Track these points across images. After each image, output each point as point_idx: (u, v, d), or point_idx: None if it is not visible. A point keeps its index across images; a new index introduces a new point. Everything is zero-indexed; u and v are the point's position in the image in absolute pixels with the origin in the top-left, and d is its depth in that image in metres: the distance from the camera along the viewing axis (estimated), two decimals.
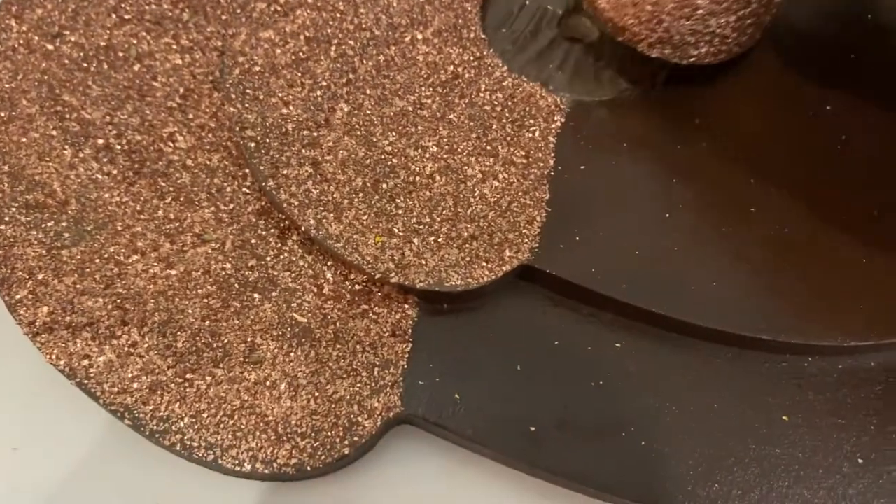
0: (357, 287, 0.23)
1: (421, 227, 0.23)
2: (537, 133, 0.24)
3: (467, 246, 0.23)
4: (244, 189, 0.24)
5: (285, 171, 0.23)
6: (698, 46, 0.24)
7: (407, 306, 0.23)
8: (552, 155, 0.24)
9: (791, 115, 0.25)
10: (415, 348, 0.22)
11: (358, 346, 0.22)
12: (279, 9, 0.26)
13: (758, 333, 0.22)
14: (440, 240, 0.23)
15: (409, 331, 0.22)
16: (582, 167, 0.24)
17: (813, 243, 0.23)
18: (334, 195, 0.23)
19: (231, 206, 0.24)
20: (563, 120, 0.25)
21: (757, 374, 0.22)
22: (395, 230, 0.23)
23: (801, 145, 0.24)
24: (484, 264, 0.22)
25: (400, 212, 0.23)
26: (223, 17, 0.27)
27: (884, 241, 0.23)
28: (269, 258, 0.23)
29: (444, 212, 0.23)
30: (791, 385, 0.22)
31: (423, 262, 0.22)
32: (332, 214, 0.23)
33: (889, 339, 0.22)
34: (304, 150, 0.24)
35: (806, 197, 0.24)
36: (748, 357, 0.22)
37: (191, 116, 0.25)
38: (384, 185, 0.23)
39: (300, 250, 0.23)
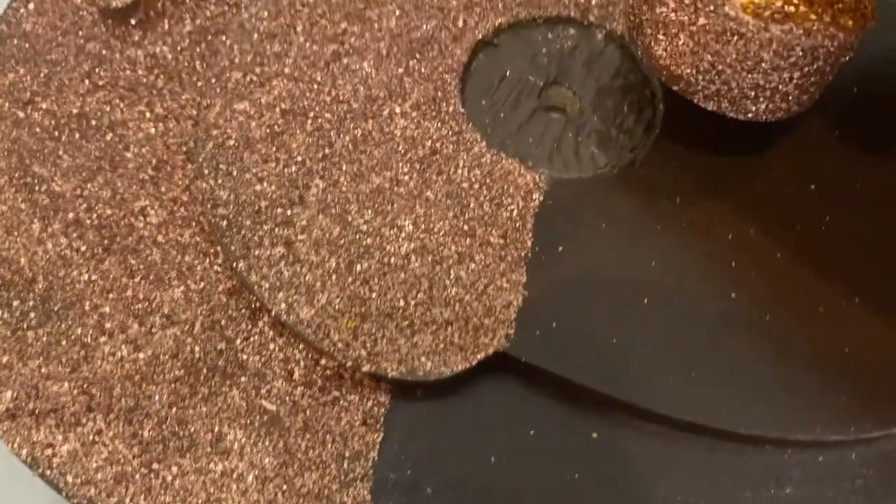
0: (328, 372, 0.22)
1: (395, 311, 0.22)
2: (515, 212, 0.24)
3: (441, 332, 0.22)
4: (216, 267, 0.24)
5: (257, 252, 0.23)
6: (757, 102, 0.23)
7: (379, 393, 0.22)
8: (530, 235, 0.24)
9: (771, 195, 0.25)
10: (386, 438, 0.22)
11: (328, 436, 0.22)
12: (255, 79, 0.25)
13: (735, 427, 0.22)
14: (414, 325, 0.22)
15: (381, 419, 0.22)
16: (560, 248, 0.24)
17: (792, 332, 0.23)
18: (307, 277, 0.23)
19: (202, 284, 0.23)
20: (541, 199, 0.24)
21: (734, 467, 0.22)
22: (369, 314, 0.22)
23: (783, 226, 0.24)
24: (458, 351, 0.22)
25: (374, 295, 0.22)
26: (199, 84, 0.26)
27: (865, 331, 0.23)
28: (238, 341, 0.23)
29: (418, 295, 0.23)
30: (770, 479, 0.22)
31: (396, 348, 0.22)
32: (303, 298, 0.22)
33: (870, 434, 0.22)
34: (276, 230, 0.23)
35: (787, 283, 0.23)
36: (726, 449, 0.22)
37: (163, 189, 0.25)
38: (358, 267, 0.23)
39: (271, 332, 0.23)
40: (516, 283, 0.23)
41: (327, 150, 0.25)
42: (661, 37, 0.23)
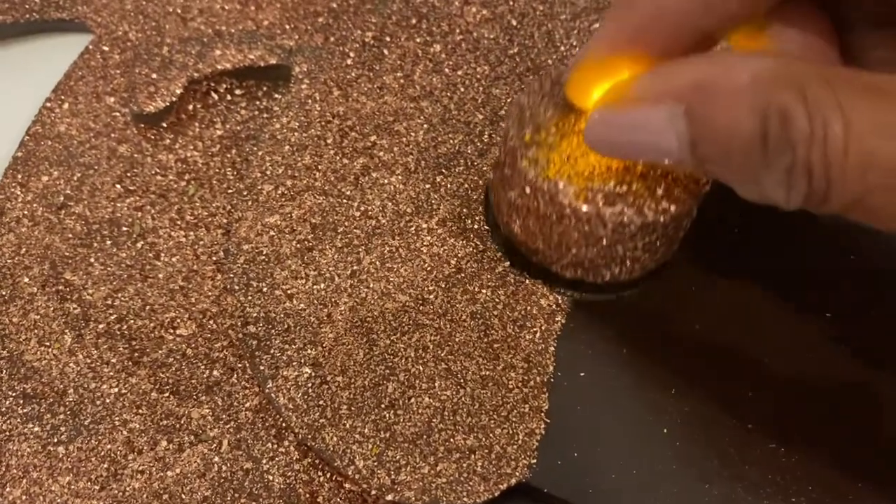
0: (352, 496, 0.23)
1: (419, 437, 0.23)
2: (538, 335, 0.24)
3: (465, 460, 0.23)
4: (243, 383, 0.24)
5: (285, 373, 0.23)
6: (610, 268, 0.24)
7: None
8: (552, 360, 0.24)
9: (788, 317, 0.25)
10: None
11: None
12: (286, 192, 0.26)
13: None
14: (438, 452, 0.23)
15: None
16: (581, 374, 0.24)
17: (805, 461, 0.23)
18: (333, 400, 0.23)
19: (229, 401, 0.24)
20: (563, 321, 0.25)
21: None
22: (393, 440, 0.23)
23: (798, 352, 0.25)
24: (481, 481, 0.22)
25: (399, 420, 0.23)
26: (229, 191, 0.27)
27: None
28: (264, 460, 0.23)
29: (443, 420, 0.23)
30: None
31: (420, 477, 0.22)
32: (328, 422, 0.23)
33: None
34: (305, 349, 0.24)
35: (801, 412, 0.24)
36: None
37: (192, 300, 0.25)
38: (383, 390, 0.23)
39: (296, 452, 0.23)
40: (538, 409, 0.24)
41: (356, 267, 0.25)
42: (514, 216, 0.24)
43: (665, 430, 0.23)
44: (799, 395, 0.24)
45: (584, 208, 0.22)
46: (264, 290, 0.25)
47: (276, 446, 0.23)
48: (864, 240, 0.27)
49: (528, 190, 0.23)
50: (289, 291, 0.25)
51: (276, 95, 0.28)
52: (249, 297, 0.24)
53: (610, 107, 0.21)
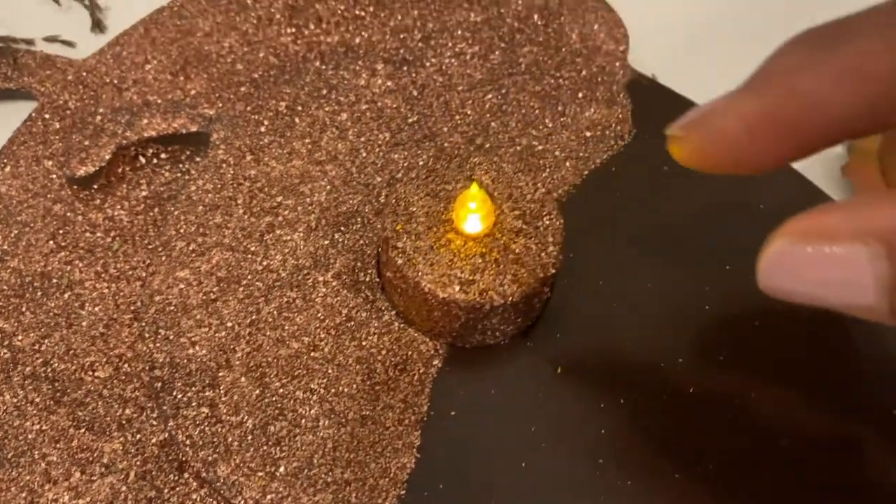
0: None
1: (301, 471, 0.26)
2: (416, 378, 0.27)
3: (341, 492, 0.25)
4: (151, 420, 0.27)
5: (185, 412, 0.26)
6: (474, 336, 0.27)
7: None
8: (427, 400, 0.27)
9: (645, 368, 0.28)
10: None
11: None
12: (196, 248, 0.29)
13: None
14: (317, 485, 0.25)
15: None
16: (452, 413, 0.27)
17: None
18: (226, 437, 0.26)
19: (138, 436, 0.27)
20: (440, 365, 0.28)
21: None
22: (277, 474, 0.25)
23: (654, 396, 0.27)
24: None
25: (283, 455, 0.26)
26: (149, 247, 0.30)
27: None
28: (166, 490, 0.26)
29: (324, 455, 0.26)
30: None
31: None
32: (221, 457, 0.26)
33: None
34: (204, 391, 0.27)
35: (649, 457, 0.27)
36: None
37: (111, 346, 0.28)
38: (272, 428, 0.26)
39: (194, 483, 0.26)
40: (411, 445, 0.26)
41: (255, 317, 0.28)
42: (391, 290, 0.28)
43: (523, 464, 0.26)
44: (645, 439, 0.27)
45: (441, 294, 0.26)
46: (171, 337, 0.27)
47: (177, 478, 0.26)
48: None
49: (398, 274, 0.27)
50: (192, 339, 0.27)
51: (197, 159, 0.31)
52: (157, 344, 0.27)
53: (801, 237, 0.18)
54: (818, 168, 0.35)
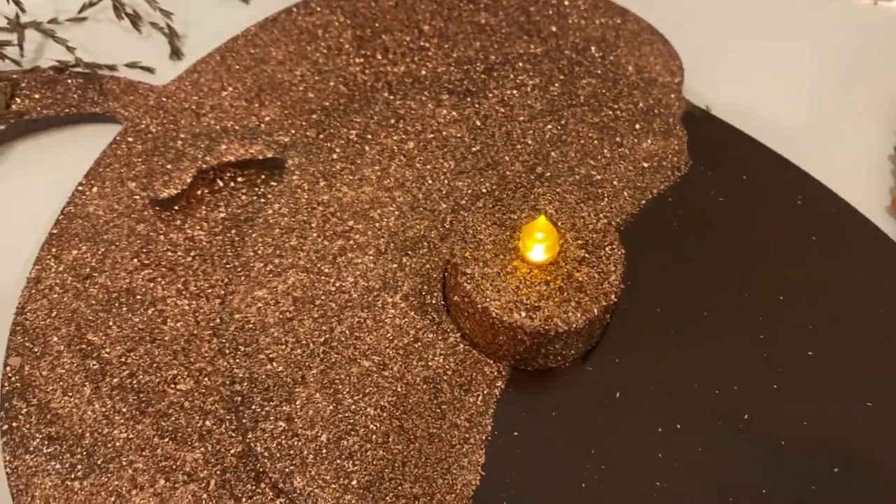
0: None
1: (372, 484, 0.27)
2: (480, 399, 0.29)
3: None
4: (230, 432, 0.29)
5: (263, 426, 0.28)
6: (536, 360, 0.29)
7: None
8: (491, 420, 0.28)
9: (700, 395, 0.29)
10: None
11: None
12: (273, 269, 0.31)
13: None
14: (388, 497, 0.27)
15: None
16: (515, 434, 0.28)
17: None
18: (301, 451, 0.27)
19: (218, 447, 0.28)
20: (503, 387, 0.29)
21: None
22: (350, 486, 0.27)
23: (706, 424, 0.28)
24: None
25: (356, 468, 0.27)
26: (227, 266, 0.32)
27: None
28: (244, 499, 0.27)
29: (394, 470, 0.27)
30: None
31: None
32: (297, 469, 0.27)
33: None
34: (281, 406, 0.28)
35: (705, 474, 0.27)
36: None
37: (192, 360, 0.30)
38: (345, 443, 0.28)
39: (270, 493, 0.28)
40: (476, 463, 0.28)
41: (328, 336, 0.29)
42: (458, 314, 0.29)
43: (583, 486, 0.27)
44: (703, 459, 0.28)
45: (508, 320, 0.27)
46: (250, 353, 0.29)
47: (254, 487, 0.28)
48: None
49: (466, 299, 0.28)
50: (270, 356, 0.29)
51: (272, 184, 0.33)
52: (237, 360, 0.29)
53: None
54: (866, 199, 0.36)
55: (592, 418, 0.29)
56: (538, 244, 0.28)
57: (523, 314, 0.27)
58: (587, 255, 0.29)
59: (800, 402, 0.29)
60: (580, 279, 0.28)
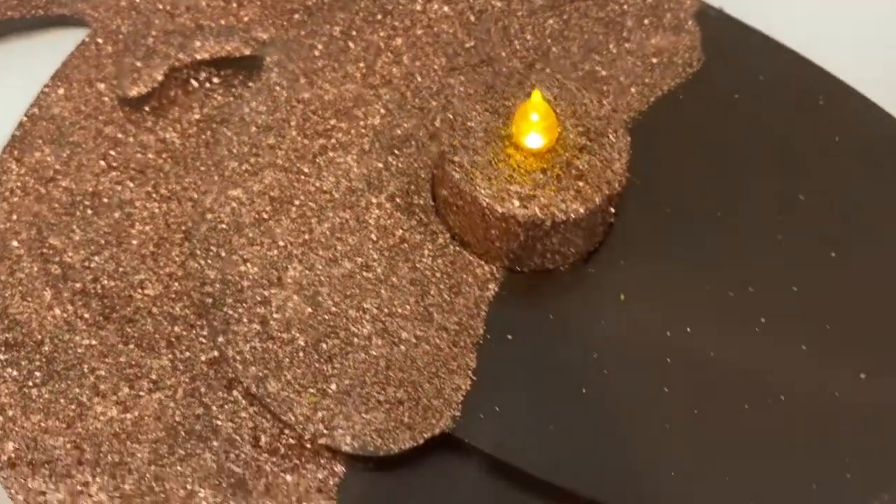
0: (291, 441, 0.25)
1: (353, 389, 0.25)
2: (471, 301, 0.26)
3: (394, 411, 0.24)
4: (200, 339, 0.26)
5: (235, 328, 0.26)
6: (533, 259, 0.26)
7: (335, 463, 0.25)
8: (482, 324, 0.26)
9: (712, 297, 0.27)
10: None
11: (285, 500, 0.24)
12: (249, 168, 0.28)
13: None
14: (369, 403, 0.25)
15: (335, 489, 0.24)
16: (509, 337, 0.26)
17: (722, 428, 0.25)
18: (277, 354, 0.25)
19: (187, 354, 0.26)
20: (496, 289, 0.27)
21: None
22: (329, 391, 0.25)
23: (719, 327, 0.26)
24: (407, 430, 0.24)
25: (335, 372, 0.25)
26: (201, 168, 0.29)
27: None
28: (214, 407, 0.25)
29: (376, 374, 0.25)
30: None
31: (351, 425, 0.24)
32: (272, 373, 0.25)
33: None
34: (255, 308, 0.26)
35: (718, 380, 0.25)
36: None
37: (161, 264, 0.28)
38: (323, 346, 0.25)
39: (244, 401, 0.25)
40: (466, 367, 0.25)
41: (307, 237, 0.27)
42: (447, 210, 0.27)
43: (583, 391, 0.25)
44: (715, 363, 0.26)
45: (500, 210, 0.25)
46: (222, 255, 0.27)
47: (226, 395, 0.26)
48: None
49: (454, 190, 0.26)
50: (244, 257, 0.27)
51: (250, 84, 0.31)
52: (209, 261, 0.27)
53: None
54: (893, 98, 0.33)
55: (593, 321, 0.26)
56: (534, 128, 0.25)
57: (516, 203, 0.25)
58: (588, 143, 0.26)
59: (821, 304, 0.27)
60: (580, 167, 0.26)
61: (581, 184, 0.25)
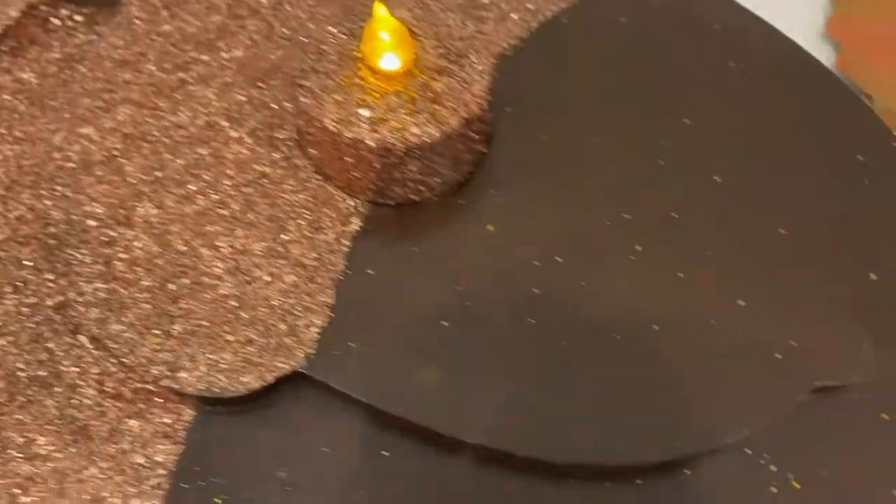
0: (137, 385, 0.24)
1: (199, 329, 0.23)
2: (332, 235, 0.25)
3: (242, 350, 0.23)
4: (48, 284, 0.25)
5: (78, 269, 0.24)
6: (395, 190, 0.25)
7: (183, 407, 0.23)
8: (343, 259, 0.25)
9: (580, 225, 0.25)
10: (185, 451, 0.23)
11: (129, 447, 0.23)
12: (103, 104, 0.27)
13: (547, 455, 0.22)
14: (217, 343, 0.23)
15: (182, 432, 0.23)
16: (370, 272, 0.24)
17: (592, 356, 0.23)
18: (120, 295, 0.24)
19: (33, 299, 0.25)
20: (360, 223, 0.25)
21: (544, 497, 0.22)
22: (173, 332, 0.23)
23: (590, 256, 0.25)
24: (255, 370, 0.23)
25: (181, 313, 0.24)
26: (57, 109, 0.28)
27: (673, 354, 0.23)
28: (59, 353, 0.24)
29: (226, 314, 0.24)
30: None
31: (196, 366, 0.23)
32: (114, 315, 0.24)
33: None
34: (100, 249, 0.24)
35: (584, 308, 0.24)
36: (534, 477, 0.23)
37: (10, 207, 0.26)
38: (171, 286, 0.24)
39: (90, 345, 0.24)
40: (323, 304, 0.24)
41: (159, 174, 0.26)
42: (305, 142, 0.25)
43: (445, 324, 0.24)
44: (584, 292, 0.24)
45: (348, 135, 0.23)
46: (69, 195, 0.25)
47: (71, 340, 0.24)
48: None
49: (305, 118, 0.24)
50: (92, 196, 0.25)
51: (110, 18, 0.29)
52: (54, 202, 0.25)
53: None
54: (799, 24, 0.31)
55: (459, 254, 0.25)
56: (387, 49, 0.24)
57: (365, 127, 0.24)
58: (449, 65, 0.25)
59: (701, 231, 0.25)
60: (437, 89, 0.24)
61: (437, 106, 0.24)
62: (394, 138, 0.23)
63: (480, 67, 0.25)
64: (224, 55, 0.28)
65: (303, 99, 0.24)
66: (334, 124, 0.23)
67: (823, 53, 0.30)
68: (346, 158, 0.24)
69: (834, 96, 0.29)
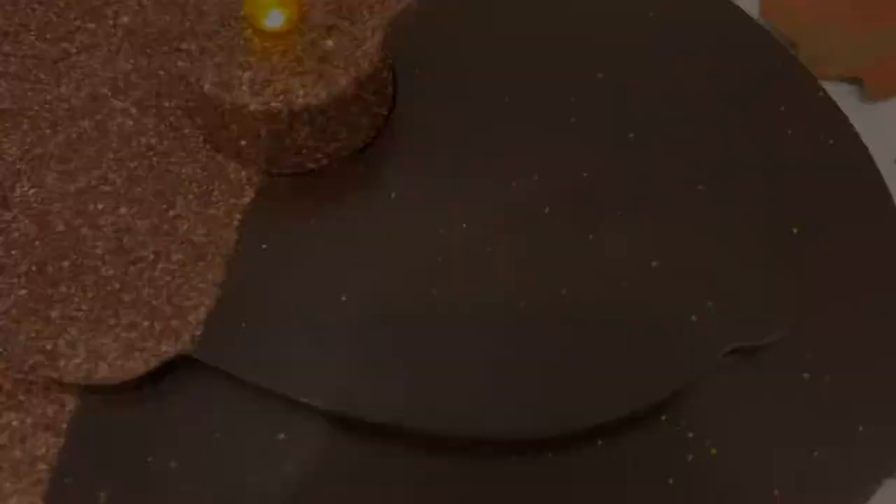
0: (18, 376, 0.22)
1: (79, 314, 0.22)
2: (223, 209, 0.23)
3: (125, 335, 0.22)
4: None
5: None
6: (289, 158, 0.23)
7: (66, 397, 0.22)
8: (235, 234, 0.23)
9: (493, 194, 0.24)
10: (67, 443, 0.22)
11: (7, 441, 0.22)
12: None
13: (437, 429, 0.21)
14: (98, 329, 0.22)
15: (64, 424, 0.22)
16: (263, 247, 0.23)
17: (496, 329, 0.22)
18: None
19: None
20: (253, 195, 0.24)
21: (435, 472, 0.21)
22: (51, 317, 0.22)
23: (503, 226, 0.23)
24: (138, 354, 0.22)
25: (60, 298, 0.22)
26: None
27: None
28: None
29: (107, 298, 0.22)
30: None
31: (76, 352, 0.22)
32: None
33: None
34: None
35: (491, 277, 0.23)
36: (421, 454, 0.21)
37: None
38: (49, 269, 0.22)
39: None
40: (212, 282, 0.23)
41: (39, 150, 0.24)
42: (192, 112, 0.24)
43: (343, 298, 0.22)
44: (490, 262, 0.23)
45: (228, 99, 0.22)
46: None
47: None
48: None
49: (185, 83, 0.23)
50: None
51: None
52: None
53: None
54: None
55: (358, 223, 0.24)
56: (272, 6, 0.22)
57: (246, 90, 0.22)
58: (340, 22, 0.23)
59: (614, 190, 0.24)
60: (326, 48, 0.23)
61: (325, 66, 0.22)
62: (278, 101, 0.22)
63: (373, 23, 0.23)
64: (110, 22, 0.26)
65: (181, 63, 0.22)
66: (214, 89, 0.22)
67: (746, 1, 0.29)
68: (231, 126, 0.23)
69: (757, 45, 0.28)
